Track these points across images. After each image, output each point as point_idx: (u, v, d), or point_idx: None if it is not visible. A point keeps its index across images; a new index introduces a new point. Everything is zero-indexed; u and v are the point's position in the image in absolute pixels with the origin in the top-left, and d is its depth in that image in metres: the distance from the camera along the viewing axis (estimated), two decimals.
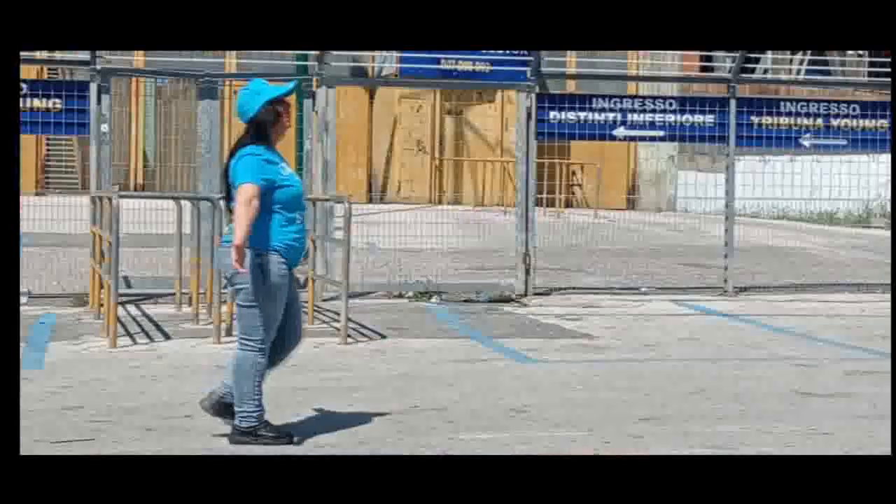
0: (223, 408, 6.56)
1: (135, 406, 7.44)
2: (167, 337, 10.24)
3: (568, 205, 23.36)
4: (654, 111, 13.88)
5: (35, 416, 7.03)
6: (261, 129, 6.42)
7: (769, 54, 24.58)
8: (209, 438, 6.57)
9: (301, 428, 6.84)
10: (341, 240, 10.76)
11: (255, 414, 6.38)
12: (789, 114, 14.24)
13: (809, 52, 26.88)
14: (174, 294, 12.02)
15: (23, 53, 10.09)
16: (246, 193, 6.26)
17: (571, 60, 19.64)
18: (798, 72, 26.02)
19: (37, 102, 12.33)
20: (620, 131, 13.89)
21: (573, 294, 13.58)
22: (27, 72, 15.09)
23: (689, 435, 6.82)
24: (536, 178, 13.82)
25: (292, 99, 6.76)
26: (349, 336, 10.12)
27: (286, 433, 6.49)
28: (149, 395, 7.78)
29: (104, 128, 12.41)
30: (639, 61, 18.02)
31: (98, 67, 12.37)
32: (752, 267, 15.63)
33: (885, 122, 14.34)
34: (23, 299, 11.99)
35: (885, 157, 15.23)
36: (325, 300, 12.33)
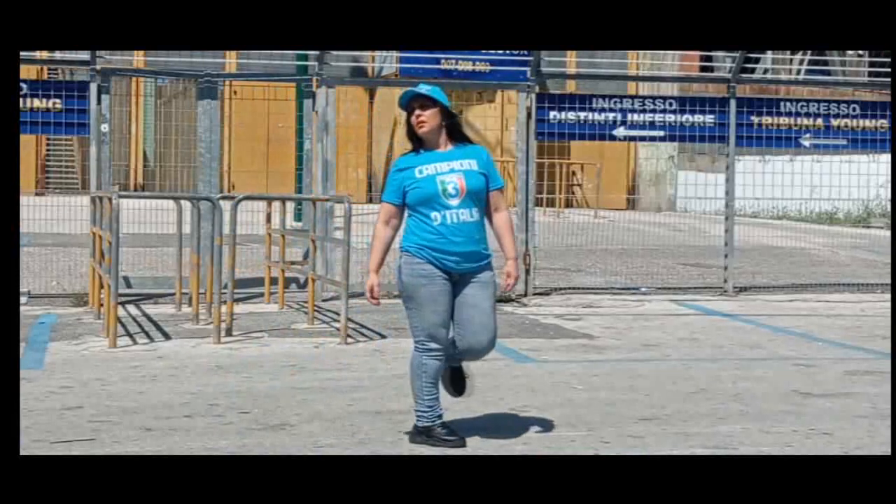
0: (452, 374, 6.64)
1: (135, 406, 7.43)
2: (167, 337, 10.23)
3: (568, 205, 23.36)
4: (654, 111, 13.88)
5: (35, 416, 7.03)
6: (410, 136, 6.48)
7: (769, 54, 24.60)
8: (209, 438, 6.57)
9: (301, 428, 6.85)
10: (341, 240, 10.77)
11: (426, 414, 6.42)
12: (789, 114, 14.24)
13: (809, 52, 26.90)
14: (174, 294, 12.02)
15: (23, 53, 10.14)
16: (380, 213, 6.47)
17: (571, 60, 19.64)
18: (798, 72, 26.02)
19: (37, 102, 12.34)
20: (620, 131, 13.88)
21: (573, 294, 13.57)
22: (27, 72, 15.09)
23: (689, 435, 6.82)
24: (536, 178, 13.82)
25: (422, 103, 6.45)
26: (349, 336, 10.12)
27: (459, 436, 6.44)
28: (149, 395, 7.77)
29: (104, 128, 12.41)
30: (639, 61, 18.02)
31: (98, 67, 12.38)
32: (752, 267, 15.64)
33: (885, 122, 14.35)
34: (23, 299, 11.99)
35: (885, 157, 15.24)
36: (325, 300, 12.34)
